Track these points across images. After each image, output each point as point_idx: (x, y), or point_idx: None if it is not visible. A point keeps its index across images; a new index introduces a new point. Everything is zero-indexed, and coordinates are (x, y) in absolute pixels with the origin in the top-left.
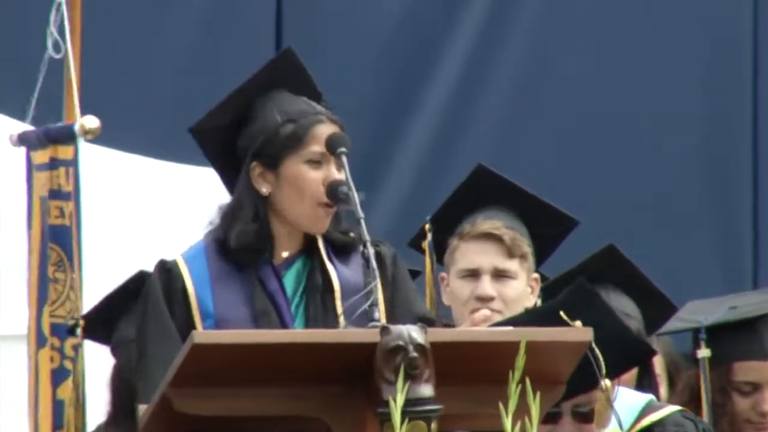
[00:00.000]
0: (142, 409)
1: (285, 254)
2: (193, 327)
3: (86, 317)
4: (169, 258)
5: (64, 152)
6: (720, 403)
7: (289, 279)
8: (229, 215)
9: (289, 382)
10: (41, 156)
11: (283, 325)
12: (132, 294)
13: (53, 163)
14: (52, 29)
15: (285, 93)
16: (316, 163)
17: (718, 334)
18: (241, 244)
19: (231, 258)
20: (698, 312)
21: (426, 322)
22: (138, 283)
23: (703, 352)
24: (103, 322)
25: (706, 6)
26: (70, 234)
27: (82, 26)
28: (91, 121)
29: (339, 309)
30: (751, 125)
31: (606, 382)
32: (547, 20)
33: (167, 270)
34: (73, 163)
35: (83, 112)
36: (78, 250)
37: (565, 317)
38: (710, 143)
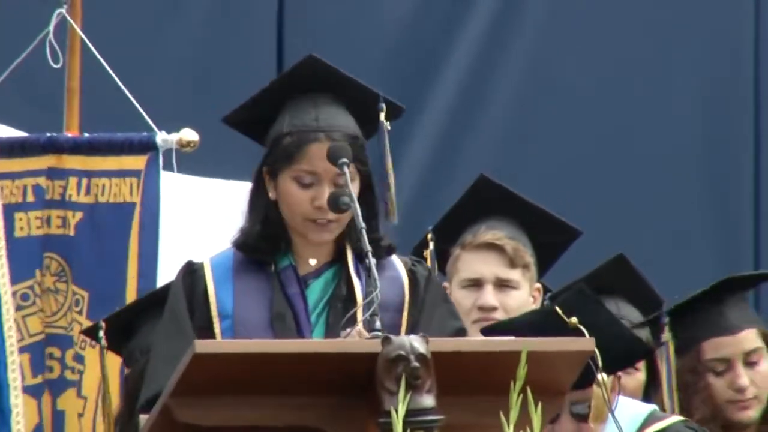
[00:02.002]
0: (143, 419)
1: (313, 262)
2: (212, 327)
3: (105, 322)
4: (197, 260)
5: (84, 162)
6: (692, 382)
7: (316, 287)
8: (245, 217)
9: (290, 392)
10: (24, 164)
11: (299, 329)
12: (154, 303)
13: (55, 173)
14: (51, 39)
15: (309, 99)
16: (305, 181)
17: (681, 317)
18: (243, 244)
19: (253, 260)
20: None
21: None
22: (160, 295)
23: (666, 336)
24: (120, 330)
25: (708, 15)
26: (80, 244)
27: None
28: (191, 134)
29: (360, 322)
30: (752, 126)
31: (603, 376)
32: (550, 29)
33: (193, 271)
34: (140, 173)
35: (82, 120)
36: (144, 260)
37: (560, 313)
38: (712, 148)
